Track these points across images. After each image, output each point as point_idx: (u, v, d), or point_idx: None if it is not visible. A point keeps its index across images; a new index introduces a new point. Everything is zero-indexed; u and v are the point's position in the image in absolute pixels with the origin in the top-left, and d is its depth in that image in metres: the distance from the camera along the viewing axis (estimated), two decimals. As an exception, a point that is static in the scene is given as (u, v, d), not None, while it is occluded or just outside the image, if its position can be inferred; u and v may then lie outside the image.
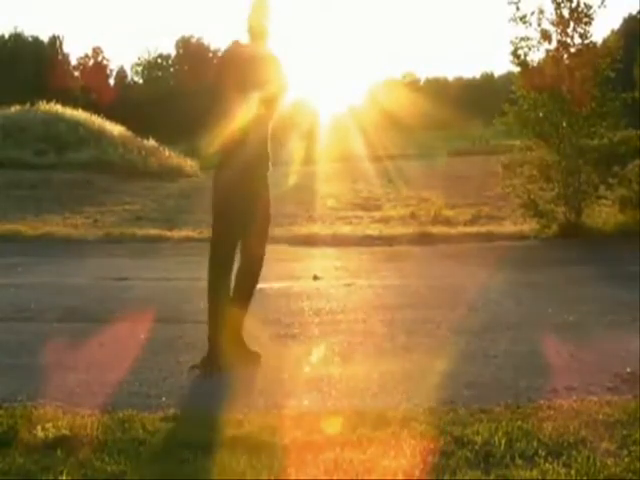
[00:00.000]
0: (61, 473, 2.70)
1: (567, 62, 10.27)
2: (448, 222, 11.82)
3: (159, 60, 67.72)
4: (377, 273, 7.75)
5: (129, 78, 68.37)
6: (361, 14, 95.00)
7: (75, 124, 23.33)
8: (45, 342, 4.86)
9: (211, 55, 67.08)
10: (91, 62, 66.11)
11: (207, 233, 10.91)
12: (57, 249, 9.84)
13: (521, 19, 10.21)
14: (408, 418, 3.23)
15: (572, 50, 10.26)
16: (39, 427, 3.11)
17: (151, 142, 24.49)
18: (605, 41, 10.82)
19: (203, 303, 5.96)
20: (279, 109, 4.46)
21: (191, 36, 67.62)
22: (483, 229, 10.85)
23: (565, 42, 10.23)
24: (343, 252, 9.42)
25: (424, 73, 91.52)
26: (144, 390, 3.83)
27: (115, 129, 24.70)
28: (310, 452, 2.88)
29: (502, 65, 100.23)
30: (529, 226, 10.42)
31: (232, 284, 4.44)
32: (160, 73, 66.76)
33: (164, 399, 3.67)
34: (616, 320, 5.16)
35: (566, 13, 10.16)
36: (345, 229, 11.73)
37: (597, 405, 3.36)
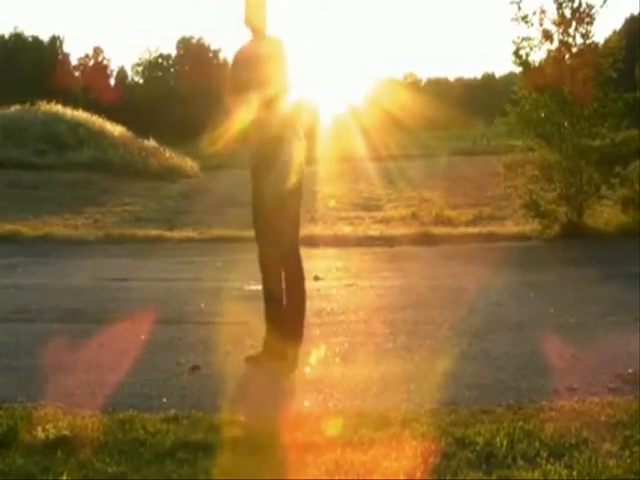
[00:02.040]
0: (61, 474, 2.69)
1: (569, 62, 10.27)
2: (449, 222, 11.81)
3: (160, 60, 67.76)
4: (378, 273, 7.75)
5: (129, 78, 68.45)
6: (362, 14, 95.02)
7: (75, 124, 23.34)
8: (45, 343, 4.85)
9: (211, 55, 67.15)
10: (91, 62, 66.19)
11: (207, 233, 10.96)
12: (57, 250, 9.83)
13: (523, 19, 10.21)
14: (409, 419, 3.22)
15: (574, 50, 10.26)
16: (39, 428, 3.11)
17: (151, 142, 24.49)
18: (607, 41, 10.81)
19: (203, 304, 5.99)
20: (283, 109, 4.42)
21: (192, 36, 67.70)
22: (485, 229, 10.84)
23: (567, 42, 10.23)
24: (344, 252, 9.42)
25: (425, 73, 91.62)
26: (145, 391, 3.82)
27: (115, 129, 24.70)
28: (311, 453, 2.87)
29: (503, 66, 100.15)
30: (531, 226, 10.41)
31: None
32: (161, 73, 66.80)
33: (165, 400, 3.66)
34: (618, 320, 5.15)
35: (568, 13, 10.16)
36: (346, 229, 11.74)
37: (599, 406, 3.35)
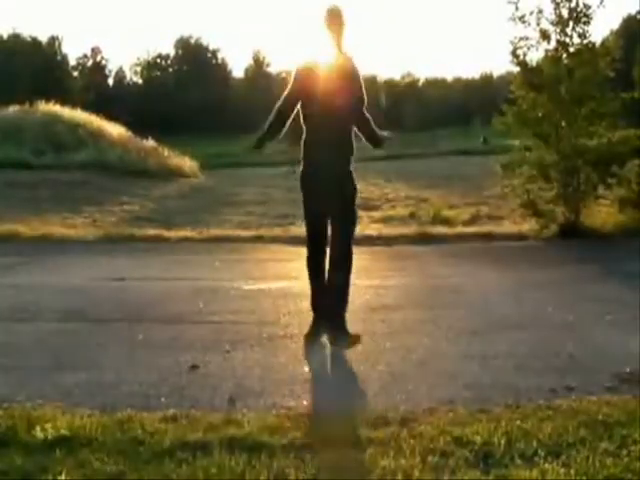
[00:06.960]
0: (60, 473, 2.70)
1: (566, 62, 10.28)
2: (447, 222, 11.81)
3: (158, 60, 67.75)
4: (377, 273, 7.74)
5: (128, 78, 68.46)
6: (361, 14, 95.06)
7: (74, 124, 23.30)
8: (44, 342, 4.86)
9: (210, 55, 67.13)
10: (90, 62, 66.25)
11: (206, 233, 10.96)
12: (56, 249, 9.82)
13: (520, 19, 10.22)
14: (408, 418, 3.23)
15: (571, 50, 10.26)
16: (38, 427, 3.11)
17: (150, 142, 24.47)
18: (604, 41, 10.83)
19: (202, 303, 5.99)
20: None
21: (190, 36, 67.70)
22: (482, 229, 10.84)
23: (564, 42, 10.23)
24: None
25: (423, 73, 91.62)
26: (143, 390, 3.83)
27: (114, 129, 24.67)
28: (309, 452, 2.88)
29: (501, 66, 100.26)
30: (528, 226, 10.42)
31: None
32: (159, 73, 66.80)
33: (163, 399, 3.67)
34: (615, 320, 5.16)
35: (565, 13, 10.16)
36: (344, 229, 11.68)
37: (596, 405, 3.36)
